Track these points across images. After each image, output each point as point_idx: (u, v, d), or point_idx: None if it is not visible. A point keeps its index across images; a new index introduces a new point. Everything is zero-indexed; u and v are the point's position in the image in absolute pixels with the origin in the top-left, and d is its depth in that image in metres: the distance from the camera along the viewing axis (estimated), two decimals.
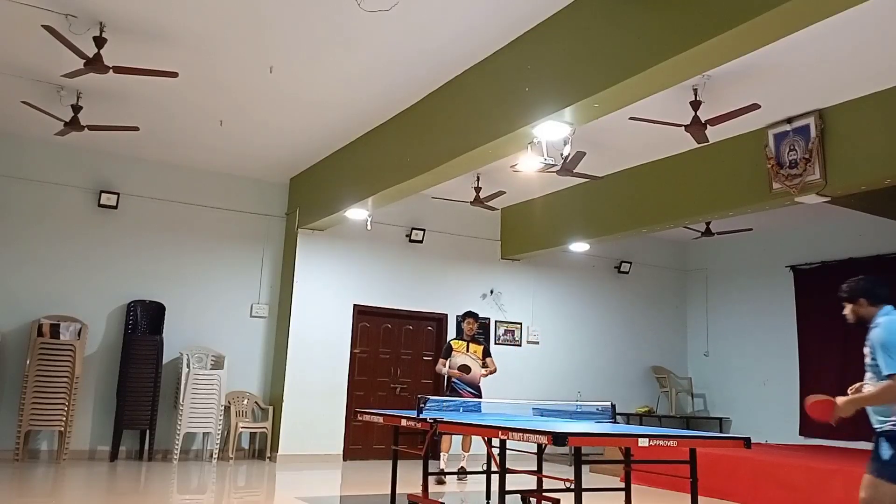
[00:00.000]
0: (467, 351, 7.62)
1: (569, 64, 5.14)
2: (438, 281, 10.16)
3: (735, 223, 9.46)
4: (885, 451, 3.20)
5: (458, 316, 8.04)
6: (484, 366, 7.62)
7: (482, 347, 7.76)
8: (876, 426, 3.31)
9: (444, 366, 7.56)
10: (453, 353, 7.58)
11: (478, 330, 7.87)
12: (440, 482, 7.26)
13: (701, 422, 10.97)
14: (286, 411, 8.91)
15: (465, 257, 10.36)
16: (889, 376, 3.18)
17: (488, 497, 6.34)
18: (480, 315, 10.28)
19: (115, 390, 8.27)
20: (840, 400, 3.34)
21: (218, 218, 9.24)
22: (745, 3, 3.89)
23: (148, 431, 8.26)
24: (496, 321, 10.51)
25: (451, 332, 10.09)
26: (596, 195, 8.93)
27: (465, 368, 7.48)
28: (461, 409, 6.35)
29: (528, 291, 10.83)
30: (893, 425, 3.21)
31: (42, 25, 5.38)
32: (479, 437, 5.66)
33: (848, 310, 3.57)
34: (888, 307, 3.46)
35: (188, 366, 8.45)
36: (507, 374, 10.37)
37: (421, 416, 5.38)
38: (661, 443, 4.22)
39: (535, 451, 5.90)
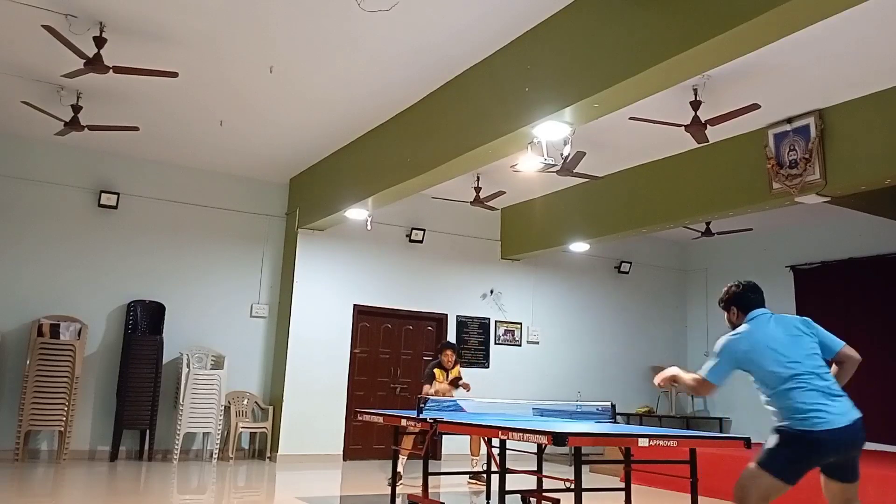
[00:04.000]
0: (447, 379, 7.63)
1: (569, 64, 5.14)
2: (438, 281, 10.16)
3: (735, 223, 9.47)
4: (770, 441, 3.31)
5: (437, 345, 7.98)
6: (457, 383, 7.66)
7: (458, 367, 7.79)
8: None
9: (433, 392, 7.46)
10: (435, 381, 7.55)
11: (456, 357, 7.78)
12: (480, 482, 7.19)
13: (701, 422, 10.96)
14: (286, 411, 8.91)
15: (465, 257, 10.36)
16: (702, 379, 3.46)
17: (488, 497, 6.34)
18: (480, 315, 10.38)
19: (115, 390, 8.27)
20: (671, 372, 3.71)
21: (218, 218, 9.24)
22: (745, 3, 3.89)
23: (148, 431, 8.25)
24: (496, 321, 10.51)
25: (452, 332, 10.11)
26: (596, 195, 8.93)
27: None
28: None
29: (528, 291, 10.83)
30: (779, 423, 3.33)
31: (42, 25, 5.38)
32: (480, 438, 5.66)
33: (725, 317, 3.70)
34: (754, 312, 3.55)
35: (188, 366, 8.45)
36: (507, 374, 10.40)
37: (421, 417, 5.38)
38: (661, 443, 4.22)
39: (535, 451, 5.90)
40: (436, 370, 7.64)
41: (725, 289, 3.70)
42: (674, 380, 3.70)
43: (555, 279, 11.06)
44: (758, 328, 3.47)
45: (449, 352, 7.67)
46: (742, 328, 3.51)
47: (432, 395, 7.34)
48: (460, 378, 7.70)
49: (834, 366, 3.49)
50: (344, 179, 8.26)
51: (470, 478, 7.47)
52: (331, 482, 7.68)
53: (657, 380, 3.80)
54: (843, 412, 3.22)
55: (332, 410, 9.20)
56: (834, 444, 3.19)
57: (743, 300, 3.61)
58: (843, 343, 3.47)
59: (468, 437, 7.44)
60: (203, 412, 8.41)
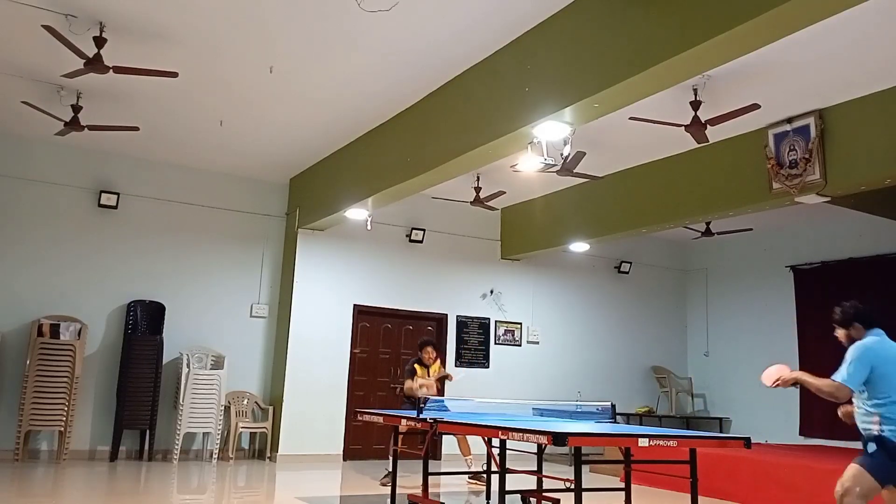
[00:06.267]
0: (428, 375, 7.61)
1: (569, 64, 5.14)
2: (438, 281, 10.16)
3: (735, 223, 9.47)
4: (870, 448, 3.63)
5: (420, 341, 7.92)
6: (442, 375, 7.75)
7: (438, 362, 7.78)
8: (864, 431, 3.72)
9: (417, 385, 7.44)
10: (416, 377, 7.51)
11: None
12: (480, 482, 7.28)
13: (701, 422, 10.97)
14: (286, 411, 8.91)
15: (465, 257, 10.36)
16: (838, 384, 3.66)
17: (488, 497, 6.34)
18: (480, 315, 10.38)
19: (115, 390, 8.27)
20: (793, 374, 3.91)
21: (218, 218, 9.24)
22: (746, 3, 3.89)
23: (148, 431, 8.25)
24: (496, 321, 10.51)
25: (452, 332, 10.12)
26: (596, 195, 8.93)
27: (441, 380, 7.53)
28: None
29: (528, 291, 10.83)
30: (878, 430, 3.63)
31: (42, 25, 5.38)
32: (480, 438, 5.65)
33: (841, 334, 3.93)
34: (878, 329, 3.82)
35: (188, 366, 8.45)
36: (507, 374, 10.41)
37: (421, 417, 5.38)
38: (661, 443, 4.22)
39: (535, 451, 5.90)
40: (416, 366, 7.59)
41: (845, 307, 3.89)
42: (796, 381, 3.82)
43: (555, 279, 11.06)
44: (887, 340, 3.76)
45: (429, 348, 7.65)
46: (872, 338, 3.76)
47: (416, 389, 7.34)
48: (443, 373, 7.72)
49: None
50: (344, 179, 8.26)
51: (469, 478, 7.47)
52: (331, 482, 7.68)
53: (772, 380, 3.91)
54: None
55: (332, 410, 9.20)
56: None
57: (867, 317, 3.83)
58: None
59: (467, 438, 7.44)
60: (203, 412, 8.41)
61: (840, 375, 3.67)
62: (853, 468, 3.61)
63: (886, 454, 3.54)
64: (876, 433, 3.60)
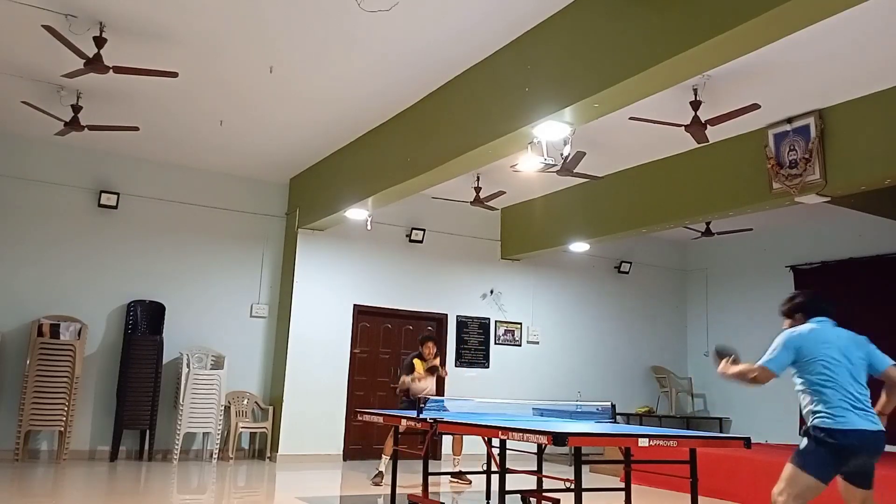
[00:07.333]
0: (427, 368, 7.65)
1: (569, 64, 5.14)
2: (438, 281, 10.16)
3: (735, 223, 9.47)
4: (803, 443, 3.49)
5: (419, 337, 8.04)
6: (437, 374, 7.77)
7: (438, 359, 7.82)
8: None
9: (411, 380, 7.50)
10: (414, 372, 7.54)
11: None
12: (463, 481, 7.44)
13: (701, 422, 10.96)
14: (286, 411, 8.91)
15: (465, 257, 10.36)
16: (761, 367, 3.55)
17: (488, 497, 6.34)
18: (480, 315, 10.38)
19: (115, 390, 8.27)
20: (724, 366, 3.76)
21: (218, 218, 9.24)
22: (746, 3, 3.89)
23: (148, 431, 8.25)
24: (496, 321, 10.51)
25: (452, 332, 10.12)
26: (596, 195, 8.93)
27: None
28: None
29: (528, 291, 10.83)
30: (812, 423, 3.50)
31: (42, 25, 5.38)
32: (480, 438, 5.66)
33: (787, 324, 3.82)
34: (821, 318, 3.71)
35: (188, 366, 8.45)
36: (508, 374, 10.40)
37: (421, 417, 5.38)
38: (661, 443, 4.22)
39: (535, 451, 5.90)
40: (416, 361, 7.64)
41: (790, 298, 3.83)
42: (731, 370, 3.70)
43: (555, 279, 11.06)
44: (817, 326, 3.64)
45: (430, 343, 7.71)
46: (807, 325, 3.67)
47: (409, 384, 7.44)
48: (438, 367, 7.74)
49: (883, 394, 3.69)
50: (344, 179, 8.26)
51: (451, 477, 7.51)
52: (331, 482, 7.68)
53: (724, 370, 3.76)
54: (862, 421, 3.41)
55: (332, 410, 9.20)
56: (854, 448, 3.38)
57: (808, 307, 3.74)
58: (891, 362, 3.64)
59: (465, 437, 7.47)
60: (203, 412, 8.41)
61: (763, 359, 3.58)
62: (787, 468, 3.47)
63: (814, 442, 3.41)
64: (808, 426, 3.48)
